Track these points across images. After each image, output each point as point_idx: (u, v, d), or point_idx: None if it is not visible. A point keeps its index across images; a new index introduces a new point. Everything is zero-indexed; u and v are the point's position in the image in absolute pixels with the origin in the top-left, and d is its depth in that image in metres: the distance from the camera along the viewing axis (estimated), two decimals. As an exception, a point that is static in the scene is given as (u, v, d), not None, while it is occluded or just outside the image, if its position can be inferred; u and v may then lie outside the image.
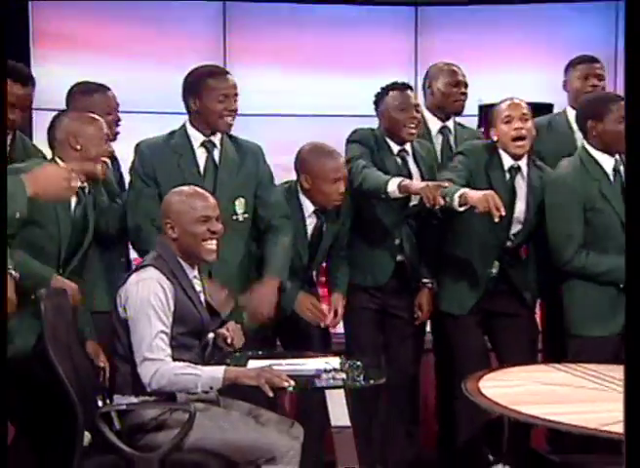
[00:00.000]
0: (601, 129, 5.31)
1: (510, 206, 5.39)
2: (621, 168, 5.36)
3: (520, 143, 5.37)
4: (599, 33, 7.33)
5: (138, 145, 5.16)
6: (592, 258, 5.29)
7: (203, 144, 5.13)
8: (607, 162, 5.37)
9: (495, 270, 5.52)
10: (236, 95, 5.12)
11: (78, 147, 4.67)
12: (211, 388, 4.24)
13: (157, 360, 4.19)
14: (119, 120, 5.43)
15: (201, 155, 5.13)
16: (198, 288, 4.49)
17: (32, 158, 4.84)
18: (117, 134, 5.40)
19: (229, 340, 4.58)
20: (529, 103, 6.07)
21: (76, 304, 4.63)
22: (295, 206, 5.36)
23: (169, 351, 4.23)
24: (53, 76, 6.38)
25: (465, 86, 5.98)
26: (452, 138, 5.87)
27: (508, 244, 5.52)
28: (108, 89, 5.44)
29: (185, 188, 4.54)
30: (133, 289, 4.29)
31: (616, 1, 7.30)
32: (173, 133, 5.21)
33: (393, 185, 5.16)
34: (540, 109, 6.68)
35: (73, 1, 7.26)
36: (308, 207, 5.39)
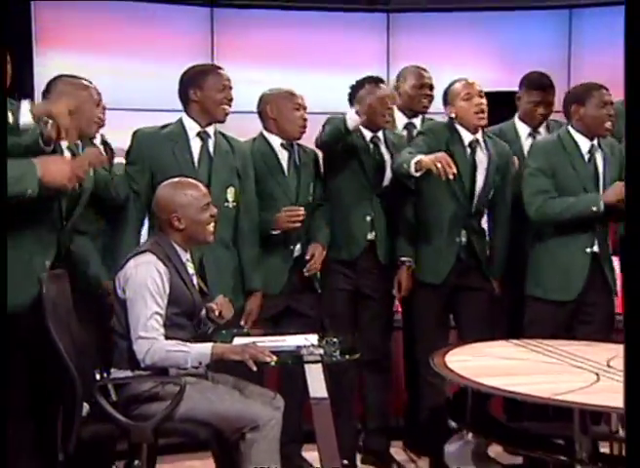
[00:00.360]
0: (583, 112, 5.46)
1: (472, 177, 5.54)
2: (597, 153, 5.52)
3: (482, 116, 5.53)
4: (553, 38, 7.35)
5: (135, 132, 5.21)
6: (550, 202, 5.43)
7: (198, 134, 5.16)
8: (584, 144, 5.50)
9: (464, 239, 5.59)
10: (231, 87, 5.20)
11: (72, 109, 4.73)
12: (200, 363, 4.28)
13: (151, 338, 4.24)
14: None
15: (196, 144, 5.16)
16: (191, 271, 4.54)
17: None
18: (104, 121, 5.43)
19: (218, 313, 4.62)
20: (492, 92, 6.19)
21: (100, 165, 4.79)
22: (265, 149, 5.44)
23: (162, 330, 4.28)
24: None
25: (431, 88, 6.07)
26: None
27: (473, 211, 5.60)
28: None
29: (177, 181, 4.59)
30: (131, 272, 4.34)
31: (569, 9, 7.33)
32: (168, 124, 5.26)
33: (350, 115, 5.34)
34: (502, 97, 6.78)
35: (73, 1, 7.20)
36: (275, 141, 5.46)
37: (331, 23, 7.43)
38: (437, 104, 5.97)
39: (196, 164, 5.11)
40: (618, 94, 5.59)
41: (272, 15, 7.41)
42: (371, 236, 5.64)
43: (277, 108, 5.43)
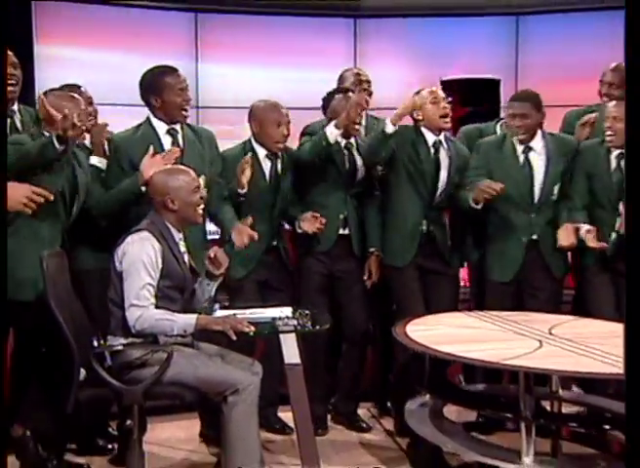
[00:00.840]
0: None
1: (436, 175, 5.58)
2: (530, 154, 5.57)
3: (447, 119, 5.58)
4: (502, 44, 7.32)
5: (110, 139, 5.25)
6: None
7: (168, 132, 5.19)
8: (520, 148, 5.57)
9: (424, 227, 5.62)
10: (188, 87, 5.22)
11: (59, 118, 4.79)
12: (185, 332, 4.34)
13: (142, 307, 4.30)
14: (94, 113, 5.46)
15: (167, 141, 5.17)
16: (182, 249, 4.59)
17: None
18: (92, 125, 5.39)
19: (214, 260, 4.69)
20: (479, 79, 6.28)
21: None
22: (252, 156, 5.39)
23: (153, 301, 4.34)
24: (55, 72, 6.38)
25: (369, 84, 6.12)
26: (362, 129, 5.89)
27: (434, 205, 5.65)
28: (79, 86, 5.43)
29: (170, 168, 4.68)
30: (129, 247, 4.40)
31: (515, 15, 7.32)
32: (139, 125, 5.27)
33: (330, 129, 5.37)
34: (488, 84, 6.86)
35: (70, 2, 7.14)
36: (261, 152, 5.48)
37: (305, 27, 7.39)
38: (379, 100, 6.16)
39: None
40: (563, 98, 5.70)
41: (251, 19, 7.34)
42: (344, 231, 5.69)
43: (260, 124, 5.44)
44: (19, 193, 4.35)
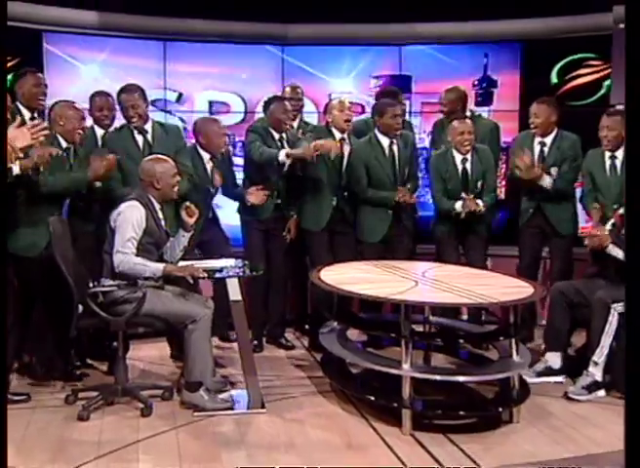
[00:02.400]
0: (382, 121, 5.73)
1: (340, 163, 5.71)
2: (394, 147, 5.74)
3: (349, 123, 5.69)
4: (269, 71, 7.25)
5: (104, 136, 5.35)
6: (369, 191, 5.74)
7: (140, 132, 5.25)
8: (385, 141, 5.76)
9: (334, 202, 5.73)
10: (134, 105, 5.21)
11: (61, 123, 4.89)
12: (154, 275, 4.49)
13: (125, 253, 4.46)
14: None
15: (140, 138, 5.23)
16: (161, 216, 4.70)
17: None
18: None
19: (188, 210, 4.73)
20: (393, 75, 6.84)
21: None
22: (197, 157, 5.47)
23: (134, 251, 4.49)
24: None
25: (299, 99, 6.21)
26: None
27: (342, 184, 5.76)
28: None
29: (156, 157, 4.75)
30: (122, 210, 4.54)
31: (281, 46, 7.33)
32: (122, 126, 5.33)
33: (282, 155, 5.47)
34: (400, 79, 7.10)
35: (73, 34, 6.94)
36: (205, 156, 5.51)
37: (244, 53, 7.30)
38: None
39: (141, 152, 5.15)
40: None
41: (207, 47, 7.23)
42: (277, 202, 5.77)
43: (206, 135, 5.48)
44: (23, 132, 4.01)
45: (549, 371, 5.08)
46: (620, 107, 5.83)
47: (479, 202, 5.61)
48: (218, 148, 5.53)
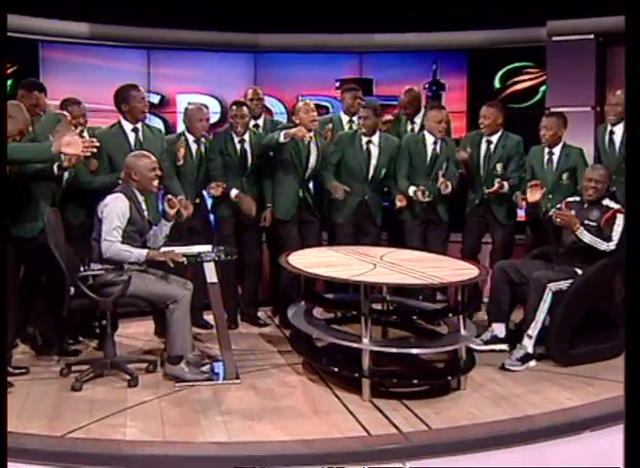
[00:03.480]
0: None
1: (307, 159, 5.65)
2: (371, 145, 5.74)
3: (315, 123, 5.60)
4: (242, 76, 7.23)
5: (93, 133, 5.15)
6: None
7: (133, 130, 5.17)
8: (364, 138, 5.75)
9: (301, 194, 5.71)
10: (144, 98, 5.23)
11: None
12: (138, 260, 4.46)
13: (111, 241, 4.43)
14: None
15: (132, 136, 5.16)
16: (144, 206, 4.65)
17: None
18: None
19: (170, 202, 4.69)
20: (356, 79, 6.81)
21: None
22: (184, 140, 5.48)
23: (120, 238, 4.45)
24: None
25: (259, 100, 6.12)
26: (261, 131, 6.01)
27: (306, 178, 5.74)
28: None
29: (138, 153, 4.71)
30: (108, 201, 4.49)
31: (254, 53, 7.32)
32: (113, 125, 5.24)
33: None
34: (362, 83, 7.03)
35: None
36: (190, 138, 5.50)
37: (221, 59, 7.26)
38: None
39: (133, 149, 5.06)
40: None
41: (187, 54, 7.20)
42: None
43: (190, 120, 5.48)
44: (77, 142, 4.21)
45: (495, 340, 5.11)
46: (557, 110, 5.89)
47: (420, 194, 5.56)
48: (198, 132, 5.51)
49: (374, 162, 5.80)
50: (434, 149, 5.76)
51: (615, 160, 5.44)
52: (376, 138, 5.81)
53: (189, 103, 5.92)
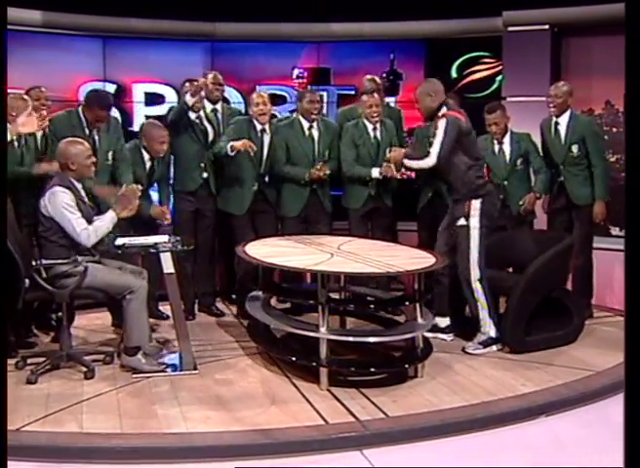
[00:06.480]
0: (301, 106, 5.80)
1: (261, 152, 5.68)
2: (314, 130, 5.78)
3: (265, 116, 5.65)
4: (199, 65, 7.06)
5: (51, 119, 5.11)
6: (287, 167, 5.79)
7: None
8: (305, 124, 5.80)
9: (255, 187, 5.71)
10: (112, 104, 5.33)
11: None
12: (114, 222, 4.48)
13: (86, 229, 4.40)
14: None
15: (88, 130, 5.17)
16: (83, 193, 4.59)
17: None
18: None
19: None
20: (313, 68, 6.92)
21: None
22: (138, 155, 5.42)
23: (86, 224, 4.41)
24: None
25: (220, 85, 6.01)
26: (220, 115, 5.94)
27: (262, 172, 5.76)
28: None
29: (71, 139, 4.62)
30: (50, 198, 4.42)
31: (211, 42, 7.27)
32: (70, 111, 5.22)
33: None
34: (320, 72, 7.23)
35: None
36: (146, 155, 5.45)
37: (177, 48, 7.18)
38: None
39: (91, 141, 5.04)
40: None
41: (143, 43, 7.11)
42: (205, 176, 5.73)
43: (148, 135, 5.42)
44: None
45: (436, 329, 5.15)
46: (495, 102, 6.00)
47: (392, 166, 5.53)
48: (156, 153, 5.46)
49: (317, 147, 5.86)
50: (375, 135, 5.84)
51: (561, 150, 5.64)
52: (315, 123, 5.86)
53: (147, 118, 5.93)
